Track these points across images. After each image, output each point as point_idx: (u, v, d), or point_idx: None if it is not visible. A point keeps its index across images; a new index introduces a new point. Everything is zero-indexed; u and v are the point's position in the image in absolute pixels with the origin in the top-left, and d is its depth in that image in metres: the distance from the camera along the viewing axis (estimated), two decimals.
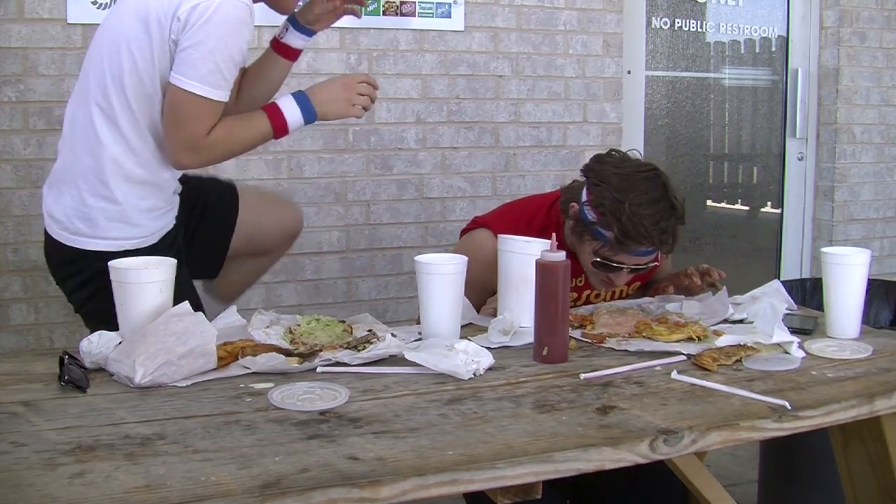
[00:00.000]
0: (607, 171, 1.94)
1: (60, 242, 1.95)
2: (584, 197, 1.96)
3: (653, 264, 2.00)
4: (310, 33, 2.12)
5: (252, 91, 2.14)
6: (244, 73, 2.12)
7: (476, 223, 2.15)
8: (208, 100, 1.80)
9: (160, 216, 2.00)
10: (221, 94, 1.82)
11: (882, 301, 2.98)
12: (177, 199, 2.07)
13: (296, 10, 2.09)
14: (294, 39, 2.11)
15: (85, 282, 1.94)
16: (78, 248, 1.93)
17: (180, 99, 1.80)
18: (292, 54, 2.13)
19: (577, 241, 1.99)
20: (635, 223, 1.86)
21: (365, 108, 2.00)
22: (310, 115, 1.94)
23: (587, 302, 2.15)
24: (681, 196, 1.93)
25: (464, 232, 2.19)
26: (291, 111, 1.92)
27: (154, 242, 1.97)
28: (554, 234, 1.73)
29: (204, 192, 2.22)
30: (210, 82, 1.79)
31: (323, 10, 2.08)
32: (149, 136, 1.90)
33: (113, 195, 1.91)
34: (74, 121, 1.93)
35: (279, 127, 1.92)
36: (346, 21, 2.47)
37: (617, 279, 2.00)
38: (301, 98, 1.94)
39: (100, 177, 1.90)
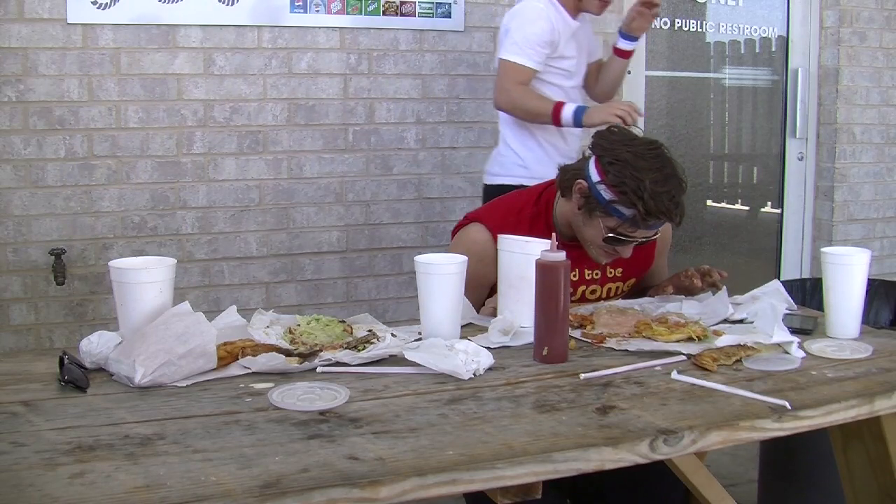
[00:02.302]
0: (619, 149, 1.95)
1: None
2: (594, 175, 1.96)
3: (656, 236, 2.04)
4: (634, 39, 2.97)
5: (602, 77, 3.11)
6: (598, 65, 3.11)
7: (468, 219, 2.16)
8: (512, 62, 2.74)
9: None
10: (519, 59, 2.75)
11: (882, 301, 2.98)
12: None
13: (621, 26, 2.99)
14: (623, 44, 3.00)
15: None
16: None
17: (501, 64, 2.79)
18: (624, 54, 3.03)
19: (586, 218, 1.99)
20: (657, 201, 1.89)
21: (622, 120, 2.56)
22: (578, 119, 2.70)
23: (582, 297, 2.15)
24: (681, 167, 1.99)
25: (456, 229, 2.19)
26: (567, 110, 2.71)
27: None
28: (554, 234, 1.73)
29: None
30: (512, 52, 2.74)
31: (638, 24, 2.93)
32: None
33: None
34: None
35: (555, 117, 2.72)
36: (345, 21, 2.54)
37: (624, 252, 2.02)
38: (579, 106, 2.73)
39: None
